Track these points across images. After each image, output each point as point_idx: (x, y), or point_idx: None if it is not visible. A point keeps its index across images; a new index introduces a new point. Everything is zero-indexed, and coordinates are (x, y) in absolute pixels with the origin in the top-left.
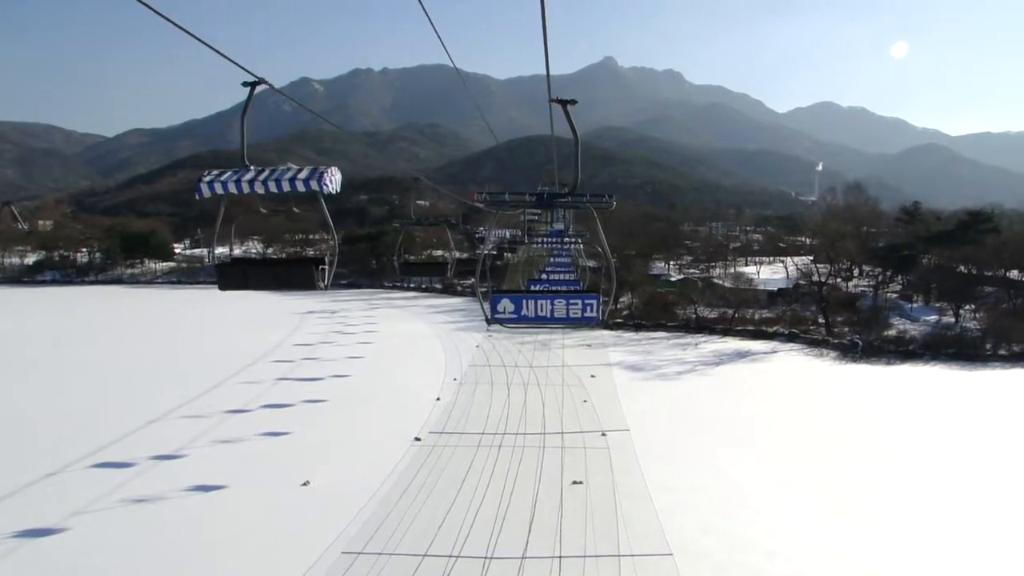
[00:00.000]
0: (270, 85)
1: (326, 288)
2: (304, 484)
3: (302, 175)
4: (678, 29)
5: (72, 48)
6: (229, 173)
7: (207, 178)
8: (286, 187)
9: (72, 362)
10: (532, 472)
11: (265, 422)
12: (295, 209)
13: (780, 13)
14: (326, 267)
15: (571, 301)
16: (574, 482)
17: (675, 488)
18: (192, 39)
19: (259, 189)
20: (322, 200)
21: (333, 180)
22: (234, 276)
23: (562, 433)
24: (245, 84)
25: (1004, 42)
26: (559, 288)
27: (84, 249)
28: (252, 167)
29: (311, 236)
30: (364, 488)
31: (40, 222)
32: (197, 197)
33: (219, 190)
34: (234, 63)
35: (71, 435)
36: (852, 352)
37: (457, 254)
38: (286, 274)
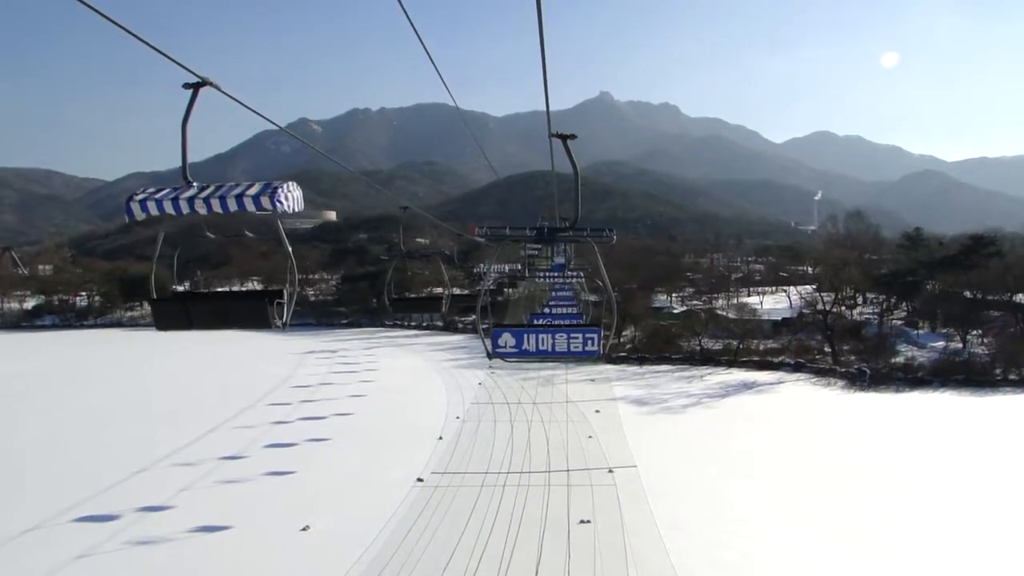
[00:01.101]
0: (216, 87)
1: (284, 327)
2: (304, 529)
3: (252, 191)
4: (673, 63)
5: (71, 93)
6: (166, 191)
7: (139, 196)
8: (233, 206)
9: (63, 408)
10: (538, 512)
11: (266, 464)
12: (248, 233)
13: (775, 45)
14: (284, 302)
15: (572, 335)
16: (581, 521)
17: (685, 524)
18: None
19: (200, 209)
20: (279, 221)
21: (291, 197)
22: (173, 314)
23: (567, 471)
24: (187, 86)
25: (999, 68)
26: (560, 322)
27: (83, 293)
28: (195, 183)
29: (311, 276)
30: (366, 532)
31: (40, 267)
32: (127, 219)
33: (153, 211)
34: (175, 62)
35: (56, 485)
36: (860, 380)
37: (457, 290)
38: (235, 310)
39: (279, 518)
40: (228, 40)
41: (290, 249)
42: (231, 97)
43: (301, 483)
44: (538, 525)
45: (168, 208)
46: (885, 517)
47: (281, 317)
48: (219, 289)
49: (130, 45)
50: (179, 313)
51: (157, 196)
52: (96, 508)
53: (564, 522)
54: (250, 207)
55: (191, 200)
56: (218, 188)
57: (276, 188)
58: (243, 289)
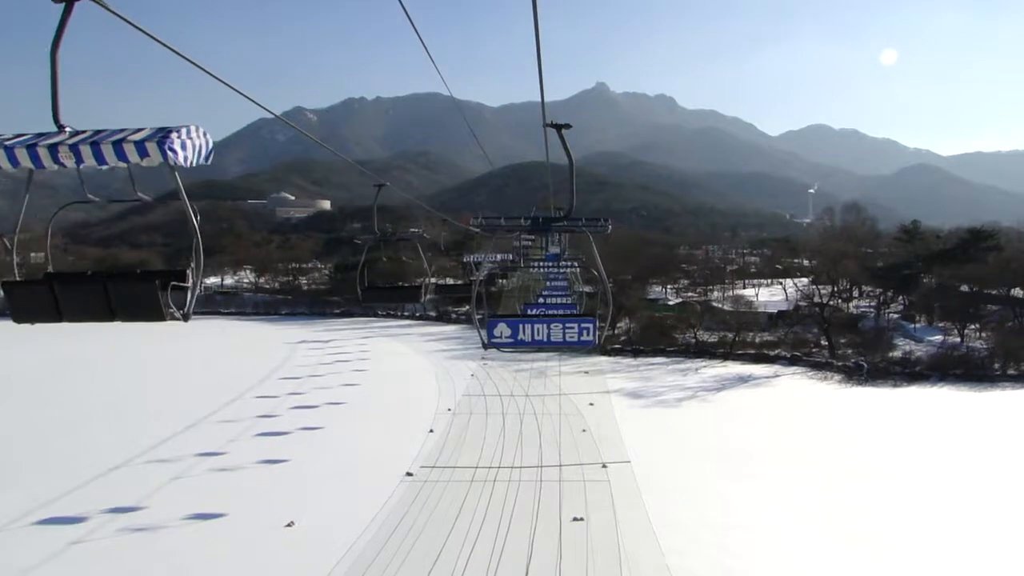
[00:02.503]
0: (101, 3)
1: (185, 319)
2: (288, 525)
3: (137, 136)
4: (670, 55)
5: (64, 79)
6: (26, 136)
7: None
8: (110, 156)
9: (44, 400)
10: (529, 508)
11: (251, 457)
12: (142, 196)
13: (771, 38)
14: (187, 286)
15: (567, 324)
16: (574, 519)
17: (680, 523)
18: (183, 70)
19: (67, 160)
20: (176, 177)
21: (189, 145)
22: (37, 302)
23: (560, 466)
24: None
25: (995, 64)
26: (555, 312)
27: None
28: (68, 128)
29: (305, 264)
30: (353, 528)
31: (32, 254)
32: None
33: (3, 163)
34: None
35: (28, 482)
36: (857, 374)
37: (451, 280)
38: (118, 297)
39: (263, 513)
40: (223, 28)
41: (196, 219)
42: (123, 19)
43: (287, 476)
44: (529, 522)
45: (24, 159)
46: (886, 516)
47: (181, 307)
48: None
49: (126, 36)
50: (45, 301)
51: (9, 142)
52: (67, 508)
53: (556, 519)
54: (133, 156)
55: (54, 148)
56: (95, 133)
57: (168, 133)
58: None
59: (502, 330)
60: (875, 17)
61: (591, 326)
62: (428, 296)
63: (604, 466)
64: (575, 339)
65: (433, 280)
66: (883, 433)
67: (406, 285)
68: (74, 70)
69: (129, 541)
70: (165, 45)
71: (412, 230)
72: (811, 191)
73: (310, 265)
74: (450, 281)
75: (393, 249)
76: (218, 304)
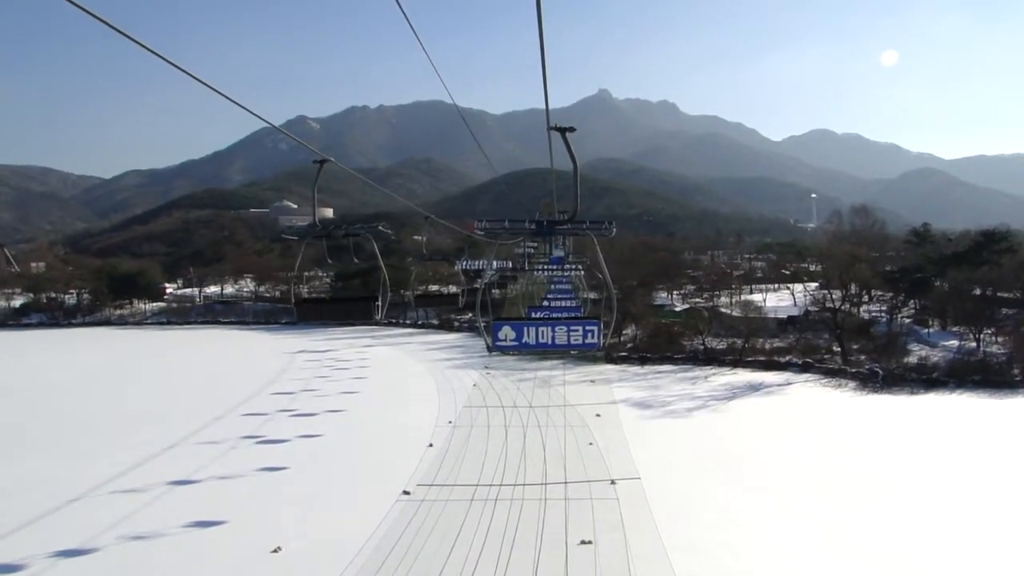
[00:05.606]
0: (103, 20)
1: None
2: (275, 551)
3: None
4: (672, 61)
5: (70, 91)
6: None
7: None
8: None
9: (26, 414)
10: (533, 529)
11: (238, 472)
12: None
13: (773, 43)
14: None
15: (572, 327)
16: (582, 541)
17: (695, 546)
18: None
19: None
20: None
21: None
22: None
23: (566, 483)
24: None
25: (998, 66)
26: (559, 315)
27: (73, 291)
28: None
29: (306, 273)
30: (344, 552)
31: (33, 264)
32: None
33: None
34: (166, 60)
35: None
36: (872, 382)
37: (454, 288)
38: None
39: (250, 536)
40: (227, 36)
41: None
42: (124, 33)
43: (278, 494)
44: (533, 546)
45: None
46: (917, 537)
47: None
48: None
49: (126, 43)
50: None
51: None
52: (43, 526)
53: (562, 542)
54: None
55: None
56: None
57: None
58: None
59: (507, 333)
60: (877, 21)
61: (595, 329)
62: (384, 311)
63: (613, 483)
64: (579, 342)
65: (437, 289)
66: (906, 443)
67: (355, 297)
68: (75, 78)
69: (104, 560)
70: (165, 60)
71: (416, 236)
72: (813, 196)
73: (311, 273)
74: (453, 289)
75: (352, 248)
76: (218, 313)
